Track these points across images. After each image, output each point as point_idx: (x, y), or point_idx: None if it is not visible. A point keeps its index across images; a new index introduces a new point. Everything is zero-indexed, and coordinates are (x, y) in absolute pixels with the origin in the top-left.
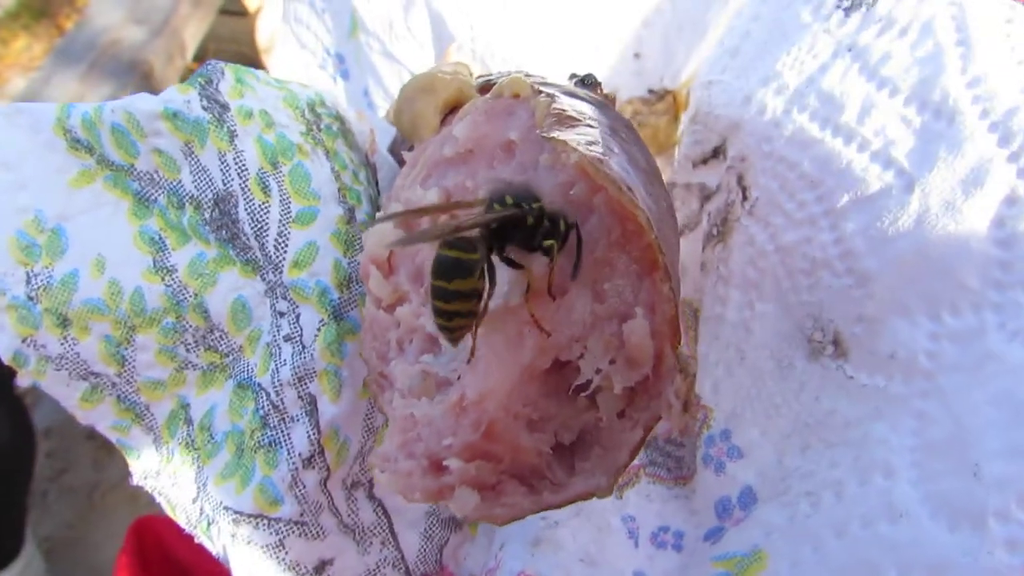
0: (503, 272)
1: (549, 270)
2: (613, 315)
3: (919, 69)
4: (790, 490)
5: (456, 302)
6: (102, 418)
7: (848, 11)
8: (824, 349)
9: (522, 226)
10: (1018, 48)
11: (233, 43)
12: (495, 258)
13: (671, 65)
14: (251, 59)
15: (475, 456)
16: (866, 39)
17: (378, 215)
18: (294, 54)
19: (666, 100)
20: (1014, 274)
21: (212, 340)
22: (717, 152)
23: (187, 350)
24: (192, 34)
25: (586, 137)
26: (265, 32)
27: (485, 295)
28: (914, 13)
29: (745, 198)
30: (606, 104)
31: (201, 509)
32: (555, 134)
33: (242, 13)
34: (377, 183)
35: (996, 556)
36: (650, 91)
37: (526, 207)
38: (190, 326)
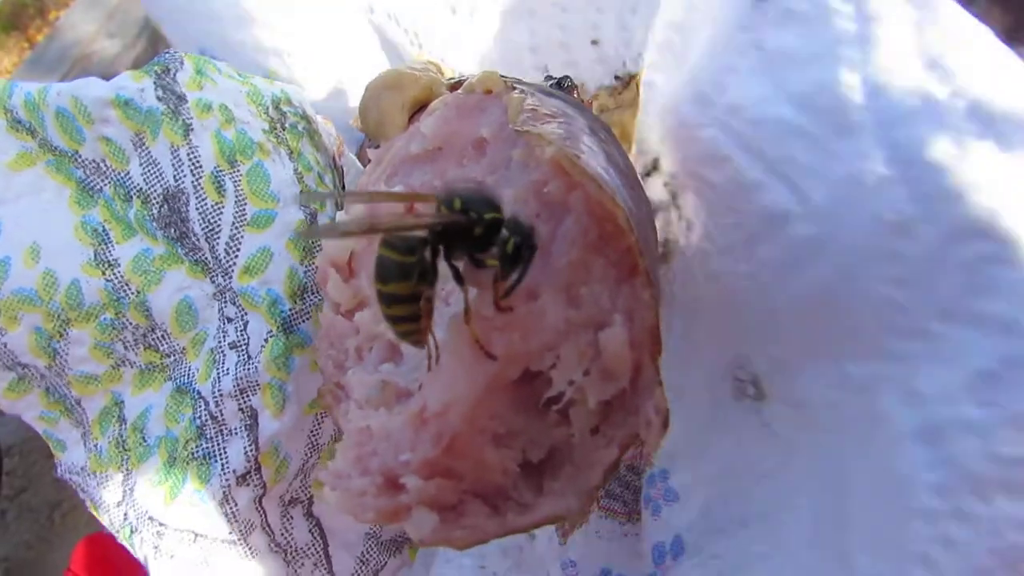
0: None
1: (492, 291)
2: (589, 323)
3: (817, 72)
4: (702, 551)
5: (396, 306)
6: (29, 408)
7: (758, 2)
8: (746, 389)
9: (469, 236)
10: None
11: None
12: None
13: (631, 46)
14: None
15: (435, 473)
16: (770, 35)
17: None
18: None
19: (631, 87)
20: (910, 318)
21: (153, 339)
22: (656, 165)
23: (125, 347)
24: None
25: (562, 133)
26: None
27: (428, 300)
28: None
29: (680, 218)
30: (584, 107)
31: (125, 515)
32: (530, 128)
33: None
34: (344, 187)
35: None
36: (616, 77)
37: (473, 215)
38: (130, 324)
